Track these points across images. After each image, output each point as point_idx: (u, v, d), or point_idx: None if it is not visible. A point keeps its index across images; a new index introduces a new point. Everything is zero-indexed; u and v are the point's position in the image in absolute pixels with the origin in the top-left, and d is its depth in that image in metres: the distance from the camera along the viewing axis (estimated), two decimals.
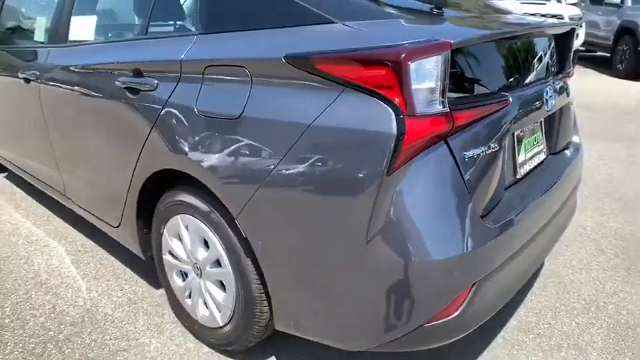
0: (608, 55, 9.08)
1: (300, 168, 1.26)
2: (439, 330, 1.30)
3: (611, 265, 2.42)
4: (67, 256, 2.40)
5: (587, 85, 7.66)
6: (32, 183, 2.79)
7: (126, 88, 1.73)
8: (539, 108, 1.63)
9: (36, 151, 2.50)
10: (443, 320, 1.29)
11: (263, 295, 1.51)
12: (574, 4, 9.13)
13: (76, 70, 2.01)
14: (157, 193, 1.79)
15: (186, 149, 1.50)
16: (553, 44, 1.90)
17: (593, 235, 2.74)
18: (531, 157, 1.71)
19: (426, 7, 1.48)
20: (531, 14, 7.65)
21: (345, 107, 1.20)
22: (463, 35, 1.28)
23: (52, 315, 1.96)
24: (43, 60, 2.22)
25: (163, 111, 1.59)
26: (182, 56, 1.54)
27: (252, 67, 1.36)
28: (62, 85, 2.09)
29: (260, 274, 1.48)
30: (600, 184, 3.50)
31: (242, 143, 1.37)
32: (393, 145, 1.14)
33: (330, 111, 1.22)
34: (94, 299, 2.06)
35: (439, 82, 1.17)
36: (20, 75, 2.38)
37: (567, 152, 2.01)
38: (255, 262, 1.47)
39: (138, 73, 1.69)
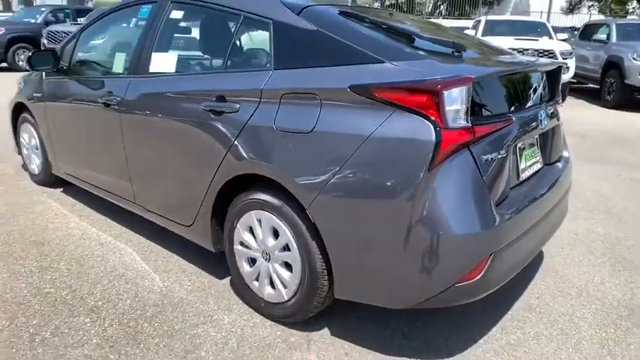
0: (598, 87, 9.72)
1: (361, 166, 1.72)
2: (466, 290, 1.73)
3: (599, 262, 2.85)
4: (137, 254, 2.81)
5: (578, 115, 8.24)
6: (98, 194, 3.22)
7: (209, 110, 2.19)
8: (535, 127, 2.10)
9: (109, 166, 2.94)
10: (468, 282, 1.72)
11: (325, 270, 1.93)
12: (564, 40, 9.82)
13: (159, 96, 2.48)
14: (229, 195, 2.22)
15: (267, 157, 1.95)
16: (545, 77, 2.39)
17: (584, 239, 3.18)
18: (530, 166, 2.17)
19: (449, 50, 1.97)
20: (525, 49, 8.30)
21: (396, 123, 1.67)
22: (479, 72, 1.76)
23: (136, 299, 2.36)
24: (125, 87, 2.68)
25: (245, 128, 2.04)
26: (262, 86, 2.01)
27: (322, 95, 1.83)
28: (143, 109, 2.55)
29: (323, 253, 1.90)
30: (590, 199, 3.96)
31: (314, 151, 1.82)
32: (433, 149, 1.60)
33: (384, 125, 1.68)
34: (168, 287, 2.46)
35: (464, 105, 1.64)
36: (99, 100, 2.83)
37: (559, 164, 2.47)
38: (319, 244, 1.90)
39: (221, 99, 2.16)
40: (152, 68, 2.59)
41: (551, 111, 2.34)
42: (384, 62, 1.78)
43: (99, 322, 2.15)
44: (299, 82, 1.92)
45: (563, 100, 9.19)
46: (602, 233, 3.28)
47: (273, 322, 2.18)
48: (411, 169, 1.63)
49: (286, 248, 2.04)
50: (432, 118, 1.61)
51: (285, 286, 2.09)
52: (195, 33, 2.76)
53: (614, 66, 8.97)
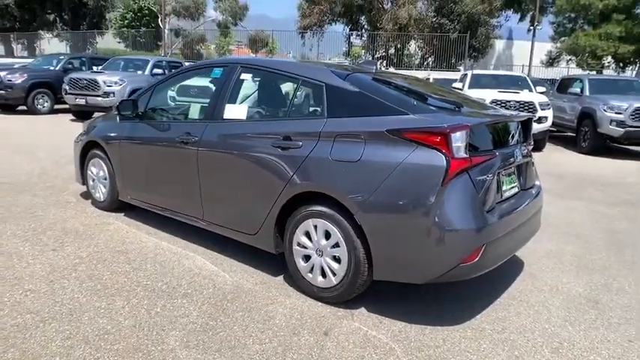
0: (574, 134, 10.81)
1: (395, 183, 2.53)
2: (468, 268, 2.52)
3: (567, 270, 3.65)
4: (205, 260, 3.54)
5: (556, 159, 9.24)
6: (163, 214, 3.97)
7: (277, 147, 3.02)
8: (512, 160, 2.96)
9: (181, 191, 3.71)
10: (469, 263, 2.51)
11: (366, 260, 2.70)
12: (543, 93, 10.99)
13: (233, 136, 3.30)
14: (289, 209, 3.01)
15: (326, 179, 2.77)
16: (519, 126, 3.27)
17: (556, 254, 3.99)
18: (510, 189, 3.01)
19: (452, 106, 2.85)
20: (508, 101, 9.39)
21: (418, 154, 2.50)
22: (474, 122, 2.64)
23: (216, 289, 3.08)
24: (202, 130, 3.50)
25: (307, 159, 2.86)
26: (320, 129, 2.85)
27: (366, 135, 2.67)
28: (219, 146, 3.37)
29: (365, 247, 2.68)
30: (563, 226, 4.79)
31: (361, 174, 2.64)
32: (444, 171, 2.43)
33: (410, 156, 2.52)
34: (237, 281, 3.20)
35: (464, 143, 2.49)
36: (177, 139, 3.65)
37: (532, 190, 3.32)
38: (362, 240, 2.68)
39: (287, 138, 2.99)
40: (226, 116, 3.43)
41: (524, 150, 3.22)
42: (408, 114, 2.64)
43: (193, 303, 2.88)
44: (348, 127, 2.76)
45: (543, 146, 10.24)
46: (571, 250, 4.10)
47: (323, 303, 2.91)
48: (430, 185, 2.46)
49: (336, 245, 2.81)
50: (444, 151, 2.46)
51: (334, 274, 2.85)
52: (261, 89, 3.63)
53: (588, 116, 10.08)
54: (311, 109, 3.21)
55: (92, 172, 4.70)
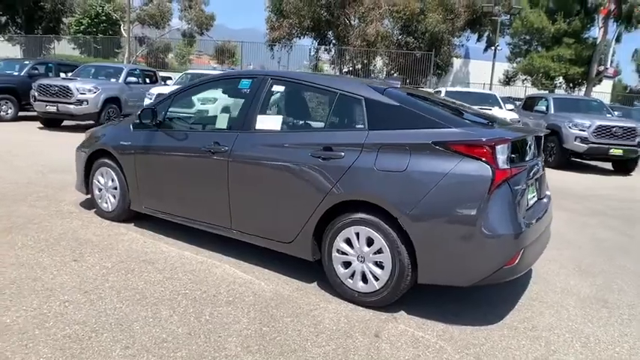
0: None
1: (442, 192, 2.71)
2: (509, 271, 2.72)
3: (571, 273, 3.95)
4: (234, 268, 3.57)
5: None
6: (184, 223, 3.97)
7: (317, 157, 3.13)
8: (536, 172, 3.21)
9: (207, 200, 3.74)
10: (510, 266, 2.71)
11: (410, 264, 2.84)
12: (512, 110, 11.63)
13: (268, 146, 3.38)
14: (329, 217, 3.12)
15: (371, 188, 2.90)
16: (536, 140, 3.54)
17: (557, 259, 4.29)
18: (532, 198, 3.25)
19: (485, 121, 3.07)
20: None
21: (464, 165, 2.69)
22: (512, 135, 2.86)
23: (256, 296, 3.13)
24: (232, 140, 3.55)
25: (350, 169, 2.99)
26: (364, 141, 2.99)
27: (412, 147, 2.84)
28: (252, 156, 3.44)
29: (409, 252, 2.83)
30: (555, 235, 5.11)
31: (408, 183, 2.80)
32: (490, 181, 2.63)
33: (456, 167, 2.70)
34: (275, 289, 3.25)
35: (506, 155, 2.70)
36: (203, 149, 3.68)
37: (545, 200, 3.59)
38: (407, 246, 2.82)
39: (328, 149, 3.11)
40: (258, 126, 3.51)
41: (541, 162, 3.48)
42: (450, 127, 2.83)
43: (239, 310, 2.92)
44: (393, 139, 2.92)
45: None
46: (569, 255, 4.41)
47: (363, 308, 3.03)
48: (477, 194, 2.65)
49: (379, 251, 2.94)
50: (489, 162, 2.66)
51: (376, 279, 2.97)
52: (296, 101, 3.73)
53: (553, 133, 10.73)
54: (350, 121, 3.35)
55: (99, 182, 4.61)
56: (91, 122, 11.18)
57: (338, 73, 27.28)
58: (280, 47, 28.03)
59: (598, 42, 27.93)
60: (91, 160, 4.66)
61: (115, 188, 4.47)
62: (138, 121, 4.07)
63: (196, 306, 2.94)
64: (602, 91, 31.64)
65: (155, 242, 4.05)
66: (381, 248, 2.93)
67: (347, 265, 3.11)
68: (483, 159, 2.68)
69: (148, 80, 13.50)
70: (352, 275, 3.08)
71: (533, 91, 28.97)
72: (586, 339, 2.84)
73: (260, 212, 3.47)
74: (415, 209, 2.77)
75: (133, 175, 4.26)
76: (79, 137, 5.41)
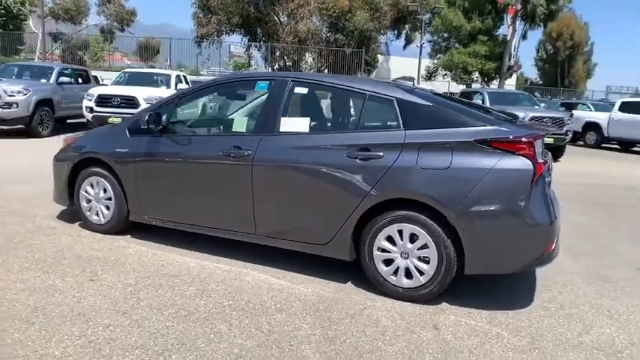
0: None
1: (487, 187, 2.87)
2: (547, 256, 2.96)
3: (565, 254, 4.33)
4: (264, 275, 3.49)
5: None
6: (197, 231, 3.82)
7: (354, 157, 3.16)
8: (549, 164, 3.49)
9: (227, 206, 3.62)
10: (548, 252, 2.95)
11: (456, 257, 2.98)
12: None
13: (297, 149, 3.35)
14: (368, 216, 3.17)
15: (415, 185, 3.00)
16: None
17: None
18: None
19: (510, 118, 3.28)
20: None
21: (506, 161, 2.88)
22: (543, 131, 3.09)
23: (301, 301, 3.10)
24: (255, 143, 3.47)
25: (391, 168, 3.06)
26: (403, 140, 3.07)
27: (454, 145, 2.97)
28: (280, 159, 3.39)
29: (455, 245, 2.96)
30: None
31: (452, 179, 2.93)
32: (532, 174, 2.84)
33: (499, 162, 2.88)
34: (316, 292, 3.24)
35: (540, 149, 2.93)
36: (221, 153, 3.55)
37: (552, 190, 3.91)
38: (453, 240, 2.96)
39: (366, 149, 3.15)
40: (282, 129, 3.46)
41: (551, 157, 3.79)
42: (486, 125, 3.00)
43: (294, 316, 2.88)
44: (433, 138, 3.04)
45: None
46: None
47: (409, 303, 3.12)
48: (522, 187, 2.85)
49: (424, 247, 3.05)
50: (530, 157, 2.87)
51: (421, 274, 3.08)
52: (323, 103, 3.70)
53: None
54: (384, 121, 3.40)
55: (88, 193, 4.26)
56: (22, 127, 10.20)
57: (270, 70, 27.09)
58: (208, 44, 27.20)
59: (508, 39, 30.35)
60: (76, 170, 4.29)
61: (109, 199, 4.16)
62: (138, 126, 3.81)
63: (249, 317, 2.86)
64: (509, 84, 34.42)
65: (165, 254, 3.83)
66: (426, 243, 3.04)
67: (389, 262, 3.18)
68: (524, 154, 2.88)
69: (80, 80, 12.53)
70: (395, 272, 3.16)
71: (453, 85, 30.85)
72: (608, 312, 3.17)
73: (290, 215, 3.44)
74: (462, 205, 2.91)
75: (133, 184, 3.99)
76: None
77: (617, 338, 2.83)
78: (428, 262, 3.06)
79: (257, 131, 3.56)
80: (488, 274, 3.18)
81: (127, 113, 10.34)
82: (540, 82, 50.26)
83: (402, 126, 3.15)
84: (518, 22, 29.45)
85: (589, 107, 17.21)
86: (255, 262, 3.69)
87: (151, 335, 2.59)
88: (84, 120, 11.22)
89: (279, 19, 27.76)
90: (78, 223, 4.49)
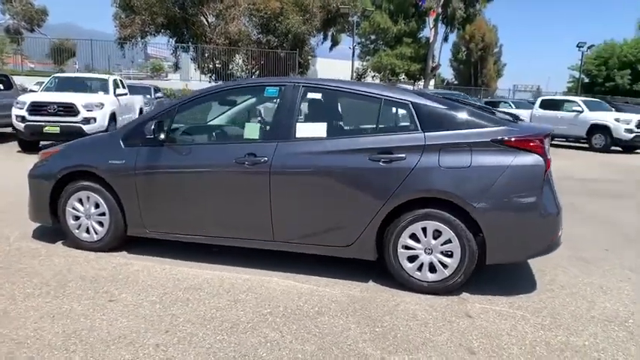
0: None
1: (505, 182, 3.13)
2: (554, 244, 3.28)
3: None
4: (289, 281, 3.49)
5: None
6: (208, 242, 3.74)
7: (376, 160, 3.29)
8: None
9: (242, 214, 3.58)
10: (554, 240, 3.27)
11: (478, 249, 3.21)
12: None
13: (316, 153, 3.40)
14: (391, 216, 3.31)
15: (439, 184, 3.19)
16: None
17: None
18: None
19: (512, 119, 3.58)
20: None
21: (522, 158, 3.16)
22: (550, 129, 3.40)
23: (335, 302, 3.16)
24: (271, 150, 3.47)
25: (415, 169, 3.23)
26: (424, 142, 3.25)
27: (473, 145, 3.20)
28: (298, 164, 3.42)
29: (477, 239, 3.19)
30: None
31: (474, 178, 3.16)
32: (544, 170, 3.14)
33: (515, 160, 3.15)
34: (346, 293, 3.31)
35: (548, 146, 3.24)
36: (235, 161, 3.51)
37: None
38: (474, 233, 3.18)
39: (387, 152, 3.29)
40: (299, 134, 3.49)
41: None
42: (498, 126, 3.27)
43: (336, 318, 2.95)
44: (453, 139, 3.25)
45: None
46: None
47: (433, 296, 3.30)
48: (536, 181, 3.14)
49: (447, 242, 3.25)
50: (540, 154, 3.16)
51: (445, 267, 3.28)
52: (339, 108, 3.75)
53: None
54: (401, 124, 3.54)
55: (76, 209, 3.99)
56: None
57: (199, 73, 26.38)
58: (131, 46, 25.93)
59: (431, 41, 32.08)
60: (60, 184, 4.00)
61: (103, 214, 3.93)
62: (136, 135, 3.66)
63: (295, 322, 2.88)
64: (431, 85, 36.43)
65: (175, 267, 3.70)
66: (449, 239, 3.24)
67: (413, 259, 3.34)
68: (536, 151, 3.18)
69: (1, 86, 11.43)
70: (419, 268, 3.33)
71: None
72: (601, 288, 3.58)
73: (311, 220, 3.48)
74: (483, 200, 3.14)
75: (133, 197, 3.80)
76: None
77: (618, 310, 3.22)
78: (451, 256, 3.27)
79: (272, 138, 3.56)
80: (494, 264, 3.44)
81: (65, 122, 9.68)
82: (456, 82, 53.52)
83: (419, 128, 3.33)
84: (439, 25, 31.23)
85: (510, 105, 18.72)
86: (270, 269, 3.68)
87: (208, 351, 2.53)
88: (8, 130, 10.29)
89: (206, 20, 27.13)
90: (61, 242, 4.19)
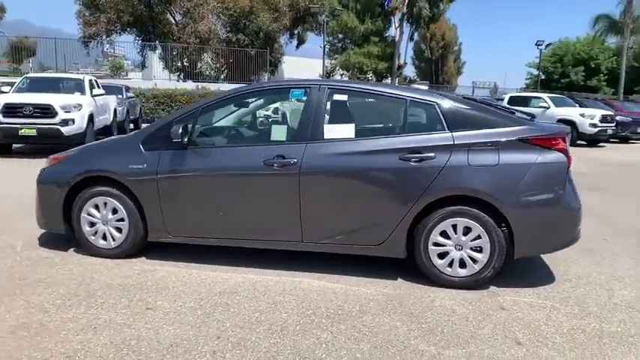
0: None
1: (532, 178, 3.28)
2: (575, 237, 3.46)
3: None
4: (322, 282, 3.51)
5: None
6: (234, 245, 3.72)
7: (406, 159, 3.36)
8: None
9: (271, 216, 3.58)
10: (577, 233, 3.45)
11: (507, 244, 3.34)
12: None
13: (346, 154, 3.44)
14: (422, 214, 3.40)
15: (469, 182, 3.29)
16: None
17: None
18: None
19: (529, 117, 3.73)
20: None
21: (546, 156, 3.31)
22: (567, 129, 3.57)
23: (373, 301, 3.21)
24: (301, 151, 3.48)
25: (445, 168, 3.32)
26: (453, 141, 3.35)
27: (499, 144, 3.32)
28: (329, 165, 3.45)
29: (507, 234, 3.32)
30: None
31: (502, 175, 3.28)
32: (566, 165, 3.31)
33: (540, 157, 3.30)
34: (380, 292, 3.37)
35: (568, 144, 3.41)
36: (264, 163, 3.50)
37: None
38: (503, 229, 3.31)
39: (417, 151, 3.37)
40: (327, 135, 3.52)
41: None
42: (522, 125, 3.41)
43: (378, 316, 3.01)
44: (481, 138, 3.36)
45: None
46: None
47: (465, 290, 3.41)
48: (560, 178, 3.30)
49: (477, 238, 3.36)
50: (563, 151, 3.32)
51: (475, 262, 3.39)
52: (366, 109, 3.79)
53: None
54: (428, 124, 3.60)
55: (93, 215, 3.87)
56: None
57: (167, 72, 25.75)
58: (96, 44, 25.07)
59: (396, 40, 32.59)
60: (74, 191, 3.87)
61: (121, 220, 3.83)
62: (157, 139, 3.62)
63: (342, 322, 2.91)
64: (395, 83, 37.01)
65: (201, 272, 3.65)
66: (479, 234, 3.36)
67: (443, 255, 3.43)
68: (559, 149, 3.33)
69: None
70: (450, 264, 3.43)
71: None
72: (613, 276, 3.79)
73: (341, 220, 3.52)
74: (512, 196, 3.27)
75: (155, 202, 3.72)
76: None
77: (637, 297, 3.42)
78: (481, 251, 3.38)
79: (300, 139, 3.57)
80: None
81: (42, 124, 9.28)
82: (418, 80, 54.46)
83: (446, 128, 3.43)
84: (405, 25, 31.77)
85: None
86: (296, 270, 3.70)
87: (266, 355, 2.53)
88: None
89: (173, 19, 26.54)
90: (72, 249, 4.06)
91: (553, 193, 3.31)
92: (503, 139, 3.35)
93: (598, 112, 14.81)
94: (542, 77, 41.27)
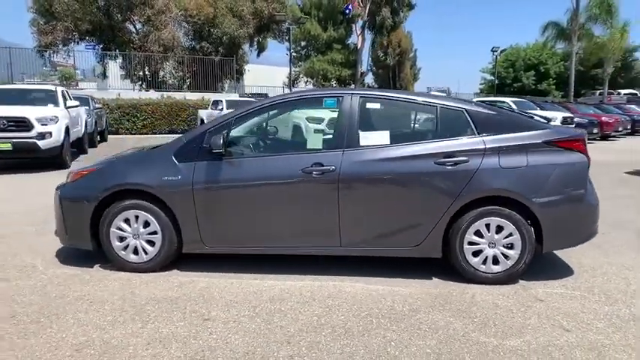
0: None
1: (558, 178, 3.53)
2: (594, 231, 3.74)
3: None
4: (363, 284, 3.62)
5: None
6: (271, 253, 3.77)
7: (442, 164, 3.54)
8: None
9: (311, 223, 3.66)
10: (595, 228, 3.74)
11: (535, 239, 3.58)
12: None
13: (384, 160, 3.58)
14: (457, 214, 3.58)
15: (501, 183, 3.51)
16: None
17: None
18: None
19: (546, 121, 4.00)
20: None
21: (569, 156, 3.58)
22: (585, 132, 3.86)
23: (420, 300, 3.35)
24: (338, 159, 3.59)
25: (478, 170, 3.52)
26: (485, 145, 3.56)
27: (527, 147, 3.56)
28: (366, 171, 3.58)
29: (536, 232, 3.56)
30: None
31: (531, 176, 3.52)
32: (587, 165, 3.59)
33: (564, 158, 3.57)
34: (423, 292, 3.51)
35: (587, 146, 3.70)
36: (302, 171, 3.59)
37: None
38: (533, 226, 3.55)
39: (451, 155, 3.55)
40: (362, 143, 3.65)
41: None
42: (545, 129, 3.67)
43: (432, 315, 3.15)
44: (510, 142, 3.58)
45: None
46: None
47: (494, 285, 3.61)
48: (583, 176, 3.58)
49: (509, 235, 3.58)
50: (583, 152, 3.61)
51: (507, 258, 3.60)
52: (398, 116, 3.93)
53: None
54: (459, 130, 3.77)
55: (123, 229, 3.81)
56: None
57: (129, 80, 25.05)
58: (52, 53, 24.13)
59: (359, 47, 33.21)
60: (102, 206, 3.80)
61: (154, 233, 3.79)
62: (190, 150, 3.68)
63: (400, 321, 3.03)
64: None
65: (242, 281, 3.68)
66: (511, 232, 3.57)
67: (477, 253, 3.63)
68: (580, 150, 3.61)
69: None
70: (484, 261, 3.63)
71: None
72: (623, 266, 4.11)
73: (380, 224, 3.65)
74: (541, 195, 3.51)
75: (191, 213, 3.71)
76: None
77: None
78: (512, 248, 3.60)
79: (336, 147, 3.68)
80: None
81: (18, 138, 8.89)
82: (377, 86, 55.49)
83: (476, 133, 3.64)
84: (367, 32, 32.44)
85: None
86: (331, 274, 3.79)
87: (342, 356, 2.62)
88: None
89: (134, 27, 25.96)
90: (97, 265, 3.97)
91: (577, 190, 3.58)
92: (530, 142, 3.60)
93: (559, 115, 15.73)
94: (496, 82, 43.21)
